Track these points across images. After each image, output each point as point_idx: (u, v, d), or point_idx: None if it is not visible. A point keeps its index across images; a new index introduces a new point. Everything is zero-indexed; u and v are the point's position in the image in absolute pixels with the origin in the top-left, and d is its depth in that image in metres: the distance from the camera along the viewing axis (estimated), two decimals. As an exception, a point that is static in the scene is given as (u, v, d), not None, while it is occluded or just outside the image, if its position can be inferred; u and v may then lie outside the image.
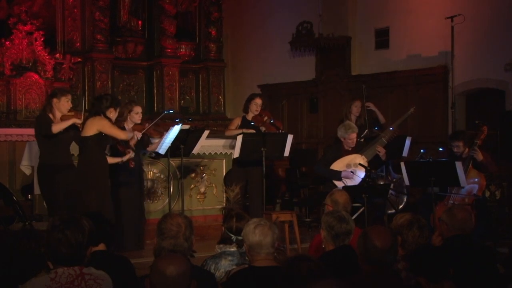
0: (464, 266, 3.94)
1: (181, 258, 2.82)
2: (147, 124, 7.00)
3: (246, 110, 7.97)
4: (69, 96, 6.68)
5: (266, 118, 7.85)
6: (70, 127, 6.51)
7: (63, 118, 6.51)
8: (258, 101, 7.89)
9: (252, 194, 7.62)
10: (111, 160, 6.55)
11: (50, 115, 6.56)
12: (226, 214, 4.40)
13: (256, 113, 7.86)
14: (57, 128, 6.41)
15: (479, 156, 6.93)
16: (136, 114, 7.12)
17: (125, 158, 6.63)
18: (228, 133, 8.04)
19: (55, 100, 6.56)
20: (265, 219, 3.79)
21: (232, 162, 8.06)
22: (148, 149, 7.43)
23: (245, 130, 7.65)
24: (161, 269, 2.71)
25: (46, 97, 7.07)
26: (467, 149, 7.09)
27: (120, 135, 6.37)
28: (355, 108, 8.57)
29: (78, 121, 6.51)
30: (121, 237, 6.70)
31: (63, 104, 6.55)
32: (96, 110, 6.39)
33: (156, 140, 7.41)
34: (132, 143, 6.67)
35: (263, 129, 7.79)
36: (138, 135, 6.72)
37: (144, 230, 7.23)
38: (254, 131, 7.63)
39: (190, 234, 3.45)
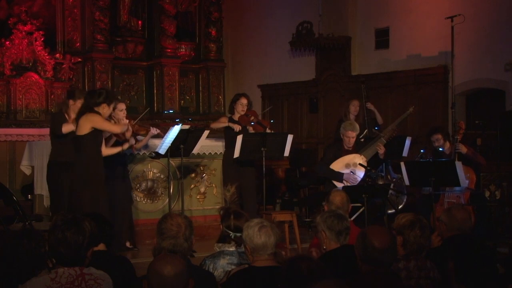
0: (463, 266, 3.94)
1: (178, 258, 2.81)
2: (132, 121, 6.91)
3: (232, 111, 7.89)
4: None
5: (252, 118, 7.81)
6: None
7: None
8: (244, 101, 7.80)
9: (245, 194, 7.58)
10: (111, 150, 6.43)
11: (66, 115, 6.80)
12: (223, 213, 4.40)
13: (242, 113, 7.77)
14: (66, 129, 6.64)
15: (463, 149, 7.07)
16: (121, 111, 6.99)
17: (126, 146, 6.54)
18: (214, 125, 7.99)
19: (71, 101, 6.76)
20: (265, 220, 3.80)
21: (222, 163, 8.00)
22: (135, 146, 7.37)
23: (231, 124, 7.66)
24: (158, 270, 2.71)
25: (65, 96, 7.15)
26: (448, 144, 7.18)
27: (114, 129, 6.29)
28: (353, 108, 8.57)
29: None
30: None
31: (77, 106, 6.57)
32: (86, 105, 6.19)
33: (142, 138, 7.41)
34: (128, 135, 6.54)
35: (250, 129, 7.77)
36: (130, 126, 6.54)
37: (133, 231, 7.21)
38: (240, 127, 7.64)
39: (190, 234, 3.45)
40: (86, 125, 6.05)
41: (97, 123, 6.07)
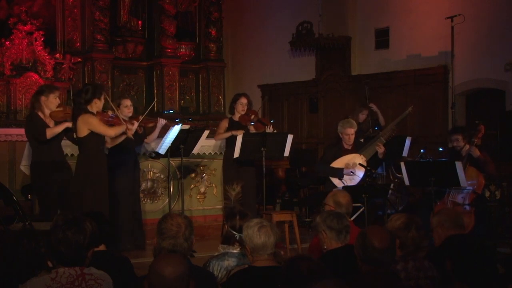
0: (463, 266, 3.94)
1: (179, 258, 2.79)
2: (140, 116, 6.91)
3: (232, 111, 7.85)
4: (57, 93, 6.60)
5: (253, 116, 7.79)
6: (58, 123, 6.45)
7: (52, 115, 6.45)
8: (244, 100, 7.77)
9: (245, 194, 7.55)
10: (115, 140, 6.41)
11: (40, 113, 6.47)
12: (228, 212, 4.39)
13: (243, 112, 7.73)
14: (50, 133, 6.35)
15: (476, 152, 6.99)
16: (126, 108, 7.05)
17: (129, 133, 6.48)
18: (218, 137, 7.87)
19: (43, 98, 6.45)
20: (265, 220, 3.80)
21: (223, 163, 7.95)
22: (146, 140, 7.42)
23: (234, 132, 7.55)
24: (159, 270, 2.68)
25: (33, 95, 6.72)
26: (467, 146, 7.11)
27: (108, 132, 6.19)
28: (362, 116, 8.72)
29: (70, 124, 6.38)
30: (117, 237, 6.68)
31: (51, 101, 6.46)
32: (78, 106, 6.19)
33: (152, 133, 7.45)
34: (130, 134, 6.52)
35: (251, 128, 7.75)
36: (135, 125, 6.48)
37: (142, 229, 7.22)
38: (243, 132, 7.58)
39: (190, 234, 3.44)
40: (84, 128, 6.10)
41: (92, 126, 6.08)
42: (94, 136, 6.13)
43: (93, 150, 6.15)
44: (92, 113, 6.14)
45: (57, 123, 6.50)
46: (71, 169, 6.61)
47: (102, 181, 6.25)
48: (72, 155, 7.11)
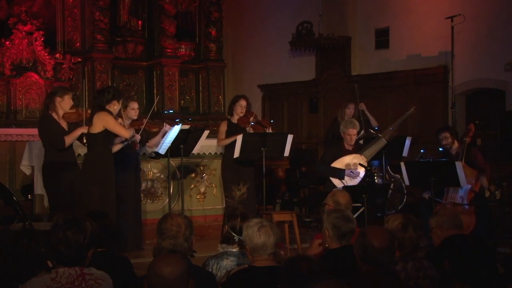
0: (463, 266, 3.94)
1: (178, 258, 2.79)
2: (144, 120, 6.94)
3: (231, 113, 7.83)
4: (71, 94, 6.76)
5: (251, 118, 7.78)
6: (71, 125, 6.56)
7: (66, 117, 6.55)
8: (243, 102, 7.74)
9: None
10: (116, 147, 6.59)
11: (54, 114, 6.57)
12: (230, 213, 4.39)
13: (241, 114, 7.69)
14: (69, 140, 6.48)
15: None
16: (132, 110, 7.11)
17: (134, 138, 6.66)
18: (220, 143, 7.82)
19: (58, 99, 6.56)
20: (265, 220, 3.80)
21: (221, 164, 7.92)
22: (148, 144, 7.43)
23: (236, 137, 7.45)
24: (158, 271, 2.67)
25: (48, 96, 6.88)
26: (456, 144, 7.16)
27: (123, 133, 6.40)
28: (349, 111, 8.69)
29: (84, 130, 6.49)
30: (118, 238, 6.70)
31: (66, 103, 6.58)
32: (98, 103, 6.42)
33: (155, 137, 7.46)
34: (135, 146, 6.66)
35: (249, 130, 7.73)
36: (137, 137, 6.67)
37: (142, 230, 7.23)
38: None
39: (190, 234, 3.44)
40: (99, 124, 6.27)
41: (108, 124, 6.27)
42: (106, 134, 6.30)
43: (103, 148, 6.32)
44: (110, 111, 6.32)
45: (70, 124, 6.58)
46: (80, 170, 6.66)
47: (109, 178, 6.38)
48: (85, 155, 7.19)
